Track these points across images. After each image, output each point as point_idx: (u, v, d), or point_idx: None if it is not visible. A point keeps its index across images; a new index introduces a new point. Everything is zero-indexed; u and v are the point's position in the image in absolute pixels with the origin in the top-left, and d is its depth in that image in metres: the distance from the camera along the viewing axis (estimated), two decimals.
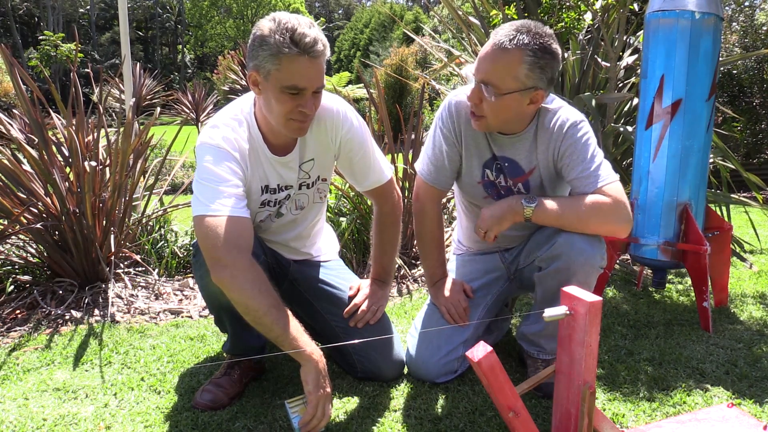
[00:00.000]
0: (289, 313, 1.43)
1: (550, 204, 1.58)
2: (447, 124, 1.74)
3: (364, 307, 1.79)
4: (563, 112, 1.65)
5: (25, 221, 2.43)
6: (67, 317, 2.29)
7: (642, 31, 2.59)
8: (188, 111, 9.32)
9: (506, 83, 1.52)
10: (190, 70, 47.67)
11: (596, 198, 1.56)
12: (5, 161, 2.42)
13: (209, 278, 1.48)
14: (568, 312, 1.25)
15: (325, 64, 1.45)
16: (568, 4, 3.07)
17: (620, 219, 1.57)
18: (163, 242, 2.95)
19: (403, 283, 2.80)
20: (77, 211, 2.39)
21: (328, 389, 1.41)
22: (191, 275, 2.87)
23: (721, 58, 2.71)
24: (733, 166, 2.96)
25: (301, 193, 1.75)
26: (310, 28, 1.39)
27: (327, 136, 1.66)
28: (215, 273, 1.40)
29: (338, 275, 1.92)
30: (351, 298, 1.83)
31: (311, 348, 1.41)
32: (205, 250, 1.42)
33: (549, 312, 1.26)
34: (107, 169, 2.58)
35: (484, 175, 1.77)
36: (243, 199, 1.48)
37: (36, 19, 42.08)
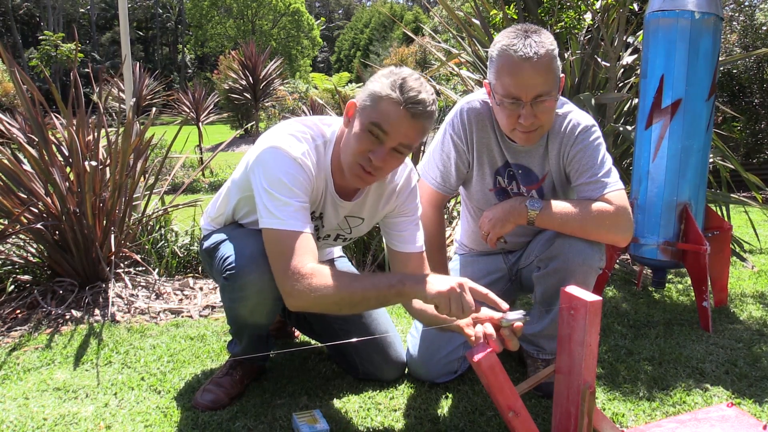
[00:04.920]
0: (377, 274, 1.40)
1: (555, 208, 1.58)
2: (458, 131, 1.72)
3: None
4: (574, 115, 1.65)
5: (25, 221, 2.43)
6: (67, 317, 2.29)
7: (642, 31, 2.59)
8: (188, 111, 9.32)
9: (555, 82, 1.52)
10: (190, 70, 47.70)
11: (600, 206, 1.56)
12: (5, 161, 2.42)
13: (240, 304, 1.48)
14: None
15: (422, 130, 1.38)
16: (568, 4, 3.07)
17: (622, 229, 1.57)
18: (163, 242, 2.95)
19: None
20: (77, 210, 2.39)
21: (450, 286, 1.27)
22: (191, 275, 2.87)
23: (721, 58, 2.71)
24: (732, 166, 2.97)
25: (333, 242, 1.73)
26: (423, 90, 1.35)
27: (386, 202, 1.61)
28: (299, 285, 1.31)
29: None
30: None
31: (413, 284, 1.32)
32: (283, 266, 1.34)
33: (508, 316, 1.29)
34: (107, 168, 2.58)
35: (496, 182, 1.76)
36: (309, 213, 1.43)
37: (36, 19, 42.08)
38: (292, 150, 1.40)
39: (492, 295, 1.29)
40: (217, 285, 2.70)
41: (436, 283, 1.28)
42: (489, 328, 1.31)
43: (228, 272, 1.48)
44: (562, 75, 1.56)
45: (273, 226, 1.37)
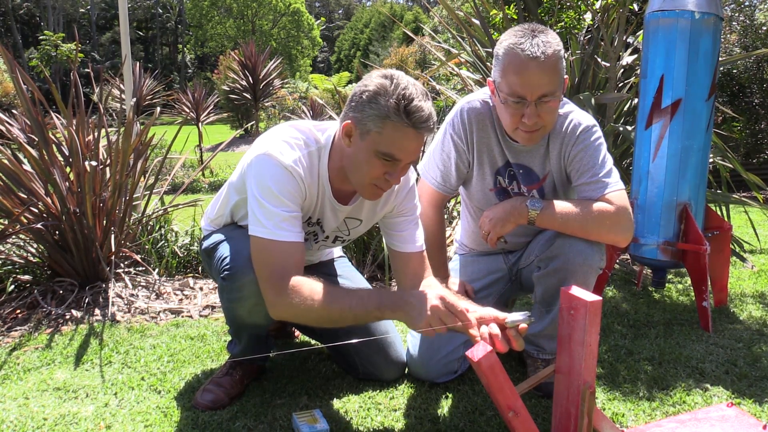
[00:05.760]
0: (359, 293, 1.40)
1: (556, 208, 1.58)
2: (459, 131, 1.71)
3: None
4: (575, 115, 1.65)
5: (25, 221, 2.43)
6: (67, 317, 2.29)
7: (642, 31, 2.59)
8: (188, 111, 9.32)
9: (560, 82, 1.52)
10: (190, 70, 47.70)
11: (601, 206, 1.56)
12: (6, 161, 2.42)
13: (239, 304, 1.49)
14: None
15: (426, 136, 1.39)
16: (568, 4, 3.07)
17: (622, 229, 1.57)
18: (163, 242, 2.95)
19: None
20: (77, 210, 2.40)
21: (425, 318, 1.30)
22: (191, 275, 2.87)
23: (720, 58, 2.71)
24: (732, 166, 2.97)
25: (331, 244, 1.75)
26: (425, 101, 1.33)
27: (385, 203, 1.61)
28: (280, 299, 1.35)
29: (342, 275, 1.92)
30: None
31: (395, 304, 1.35)
32: (267, 274, 1.37)
33: (511, 317, 1.29)
34: (107, 168, 2.58)
35: (496, 182, 1.76)
36: (300, 220, 1.44)
37: (36, 19, 42.08)
38: (282, 158, 1.40)
39: (466, 314, 1.30)
40: (217, 285, 2.70)
41: (415, 316, 1.31)
42: (494, 329, 1.30)
43: (226, 272, 1.49)
44: (566, 76, 1.56)
45: (259, 234, 1.38)
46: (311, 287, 1.36)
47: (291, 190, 1.40)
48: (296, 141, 1.44)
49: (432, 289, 1.39)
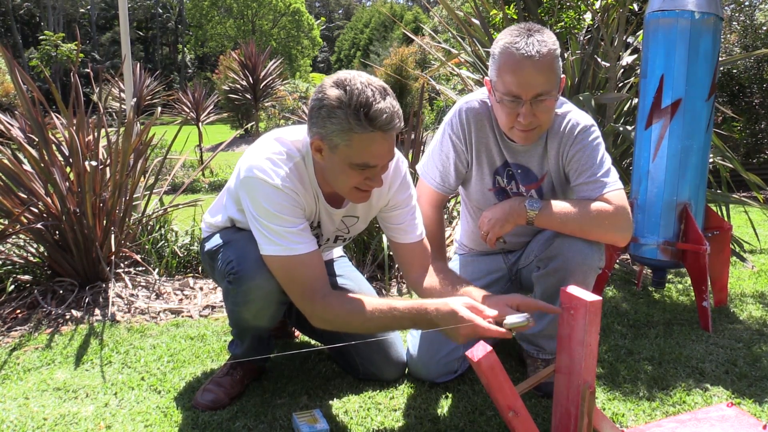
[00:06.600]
0: (393, 311, 1.40)
1: (555, 208, 1.58)
2: (457, 131, 1.71)
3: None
4: (573, 115, 1.65)
5: (25, 221, 2.43)
6: (67, 317, 2.29)
7: (642, 31, 2.59)
8: (188, 111, 9.32)
9: (556, 82, 1.52)
10: (190, 70, 47.69)
11: (600, 206, 1.56)
12: (6, 161, 2.42)
13: (245, 307, 1.50)
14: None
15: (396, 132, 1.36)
16: (568, 4, 3.07)
17: (621, 229, 1.57)
18: (163, 242, 2.95)
19: (403, 283, 2.80)
20: (77, 210, 2.40)
21: (467, 324, 1.30)
22: (191, 275, 2.87)
23: (720, 58, 2.71)
24: (732, 166, 2.97)
25: (333, 244, 1.75)
26: (385, 99, 1.28)
27: (379, 197, 1.60)
28: (317, 312, 1.42)
29: (343, 275, 1.92)
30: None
31: (433, 308, 1.37)
32: (299, 292, 1.42)
33: (509, 319, 1.29)
34: (108, 168, 2.58)
35: (495, 182, 1.76)
36: (308, 230, 1.45)
37: (36, 19, 42.09)
38: (271, 178, 1.39)
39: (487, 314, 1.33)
40: (217, 285, 2.70)
41: (448, 327, 1.35)
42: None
43: (232, 276, 1.49)
44: (562, 75, 1.56)
45: (275, 253, 1.40)
46: (346, 305, 1.41)
47: (288, 206, 1.41)
48: (279, 156, 1.43)
49: (459, 298, 1.40)
